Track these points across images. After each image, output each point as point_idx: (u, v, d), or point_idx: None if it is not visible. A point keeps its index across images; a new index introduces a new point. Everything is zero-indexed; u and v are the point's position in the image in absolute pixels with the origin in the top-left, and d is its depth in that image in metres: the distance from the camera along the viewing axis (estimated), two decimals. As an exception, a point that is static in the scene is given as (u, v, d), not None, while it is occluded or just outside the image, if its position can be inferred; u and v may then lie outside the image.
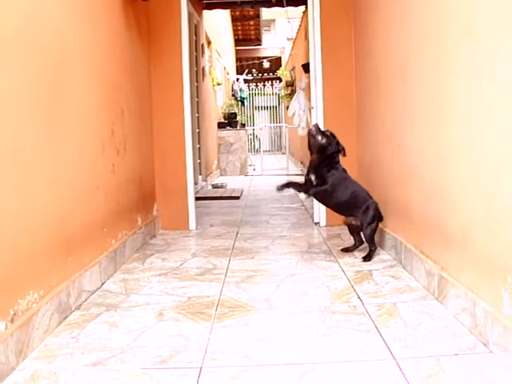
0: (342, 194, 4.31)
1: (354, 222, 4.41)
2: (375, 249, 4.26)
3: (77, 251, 3.32)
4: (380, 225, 4.55)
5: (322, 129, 4.46)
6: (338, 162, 4.34)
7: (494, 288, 2.41)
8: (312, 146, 4.34)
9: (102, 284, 3.70)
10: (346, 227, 5.19)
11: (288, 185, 4.41)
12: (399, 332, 2.69)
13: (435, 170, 3.21)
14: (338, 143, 4.32)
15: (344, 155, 4.34)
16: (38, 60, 2.87)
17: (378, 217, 4.31)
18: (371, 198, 4.37)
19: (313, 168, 4.35)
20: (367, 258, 4.18)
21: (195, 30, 9.49)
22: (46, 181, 2.91)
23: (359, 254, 4.33)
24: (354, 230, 4.49)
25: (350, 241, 4.88)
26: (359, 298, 3.25)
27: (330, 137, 4.32)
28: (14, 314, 2.47)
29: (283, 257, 4.38)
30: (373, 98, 4.83)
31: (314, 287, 3.52)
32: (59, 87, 3.13)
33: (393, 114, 4.13)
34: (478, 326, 2.55)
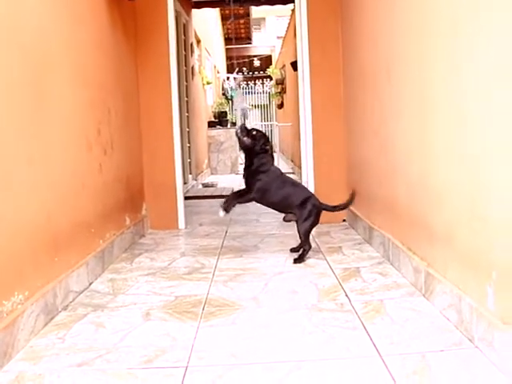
0: (274, 195, 4.22)
1: (294, 219, 4.29)
2: (309, 249, 4.16)
3: (64, 251, 3.31)
4: (368, 221, 4.56)
5: (249, 128, 4.36)
6: (265, 164, 4.23)
7: (479, 284, 2.41)
8: (240, 146, 4.31)
9: (90, 284, 3.69)
10: (335, 224, 5.21)
11: (231, 202, 4.28)
12: (386, 329, 2.69)
13: (420, 165, 3.22)
14: (264, 143, 4.23)
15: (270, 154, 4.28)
16: (19, 59, 2.84)
17: (316, 213, 4.21)
18: (310, 193, 4.34)
19: (244, 172, 4.32)
20: (298, 260, 4.08)
21: (184, 29, 9.48)
22: (29, 181, 2.88)
23: (347, 252, 4.33)
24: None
25: (339, 238, 4.90)
26: (346, 295, 3.25)
27: (256, 136, 4.24)
28: (-1, 316, 2.46)
29: (272, 255, 4.37)
30: (360, 94, 4.83)
31: (301, 285, 3.52)
32: (42, 87, 3.11)
33: (379, 110, 4.13)
34: (464, 321, 2.56)
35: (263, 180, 4.19)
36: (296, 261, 4.06)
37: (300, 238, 4.20)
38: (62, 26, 3.50)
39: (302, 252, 4.13)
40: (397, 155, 3.71)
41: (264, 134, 4.30)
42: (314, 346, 2.54)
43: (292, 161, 13.06)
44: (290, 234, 5.23)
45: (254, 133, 4.26)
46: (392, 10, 3.66)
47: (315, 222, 4.24)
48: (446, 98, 2.75)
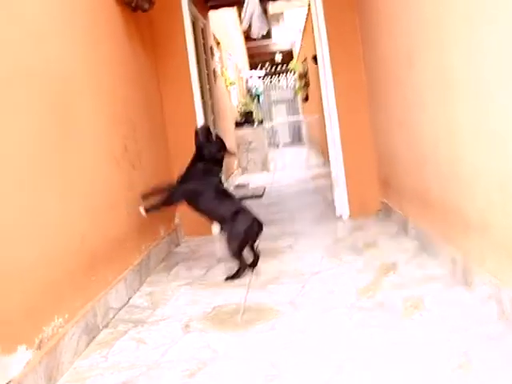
0: (204, 203, 4.13)
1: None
2: (243, 268, 3.92)
3: (100, 270, 3.35)
4: (402, 213, 4.51)
5: (211, 131, 4.29)
6: (206, 171, 4.15)
7: (517, 273, 2.38)
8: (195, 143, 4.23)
9: (129, 299, 3.72)
10: (369, 218, 5.15)
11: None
12: (425, 325, 2.66)
13: (449, 153, 3.17)
14: (218, 151, 4.16)
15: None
16: (44, 87, 2.89)
17: (246, 231, 3.95)
18: (242, 207, 4.11)
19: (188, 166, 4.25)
20: (231, 277, 3.89)
21: (202, 32, 9.48)
22: (61, 207, 2.93)
23: (383, 245, 4.29)
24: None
25: (373, 232, 4.86)
26: (384, 291, 3.22)
27: (212, 140, 4.19)
28: (40, 342, 2.50)
29: (308, 254, 4.36)
30: (383, 85, 4.79)
31: (339, 284, 3.50)
32: (66, 114, 3.14)
33: (403, 100, 4.09)
34: (505, 312, 2.52)
35: (194, 185, 4.12)
36: (227, 278, 3.90)
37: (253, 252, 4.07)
38: (81, 48, 3.52)
39: (237, 270, 3.92)
40: (424, 145, 3.67)
41: (220, 143, 4.22)
42: (353, 348, 2.52)
43: (322, 153, 13.01)
44: (324, 230, 5.22)
45: (213, 137, 4.21)
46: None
47: (243, 242, 3.97)
48: (469, 82, 2.71)
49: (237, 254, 3.93)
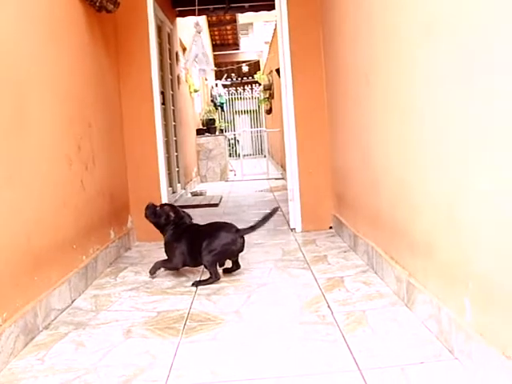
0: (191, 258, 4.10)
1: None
2: (213, 279, 3.93)
3: (44, 270, 3.29)
4: (353, 229, 4.56)
5: (154, 206, 4.35)
6: (173, 233, 4.19)
7: (457, 295, 2.40)
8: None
9: (73, 301, 3.66)
10: (321, 232, 5.19)
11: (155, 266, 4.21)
12: (366, 341, 2.68)
13: (399, 174, 3.22)
14: (166, 217, 4.23)
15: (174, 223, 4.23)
16: (-6, 80, 2.84)
17: (227, 247, 4.00)
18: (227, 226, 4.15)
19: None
20: (198, 282, 3.95)
21: (168, 38, 9.46)
22: (8, 202, 2.87)
23: (332, 261, 4.32)
24: None
25: (324, 246, 4.89)
26: (329, 306, 3.23)
27: (157, 213, 4.27)
28: (-26, 340, 2.44)
29: (256, 265, 4.36)
30: (341, 102, 4.83)
31: (284, 297, 3.51)
32: (20, 106, 3.09)
33: (360, 118, 4.13)
34: (444, 332, 2.55)
35: (177, 247, 4.11)
36: (193, 284, 3.93)
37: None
38: (40, 43, 3.48)
39: (208, 278, 3.97)
40: (377, 164, 3.71)
41: (166, 207, 4.30)
42: (293, 361, 2.52)
43: (281, 166, 13.06)
44: (276, 242, 5.23)
45: (158, 209, 4.28)
46: (371, 20, 3.65)
47: (221, 255, 4.04)
48: (423, 105, 2.75)
49: (213, 265, 3.96)
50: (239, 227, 4.12)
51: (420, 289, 2.90)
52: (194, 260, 4.09)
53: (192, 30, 9.34)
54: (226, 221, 4.35)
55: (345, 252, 4.61)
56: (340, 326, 2.89)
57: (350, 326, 2.88)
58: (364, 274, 3.89)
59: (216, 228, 4.14)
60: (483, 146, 2.09)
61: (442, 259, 2.60)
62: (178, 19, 10.85)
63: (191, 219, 4.33)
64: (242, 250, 4.12)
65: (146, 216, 4.32)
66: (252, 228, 4.12)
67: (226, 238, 4.02)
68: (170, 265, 4.18)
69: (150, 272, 4.18)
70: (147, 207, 4.33)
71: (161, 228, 4.28)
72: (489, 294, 2.12)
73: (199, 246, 3.99)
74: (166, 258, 4.20)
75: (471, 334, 2.25)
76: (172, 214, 4.23)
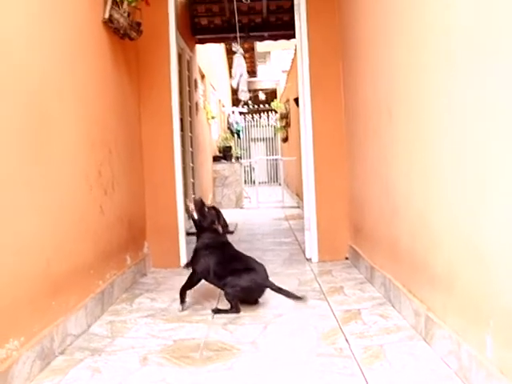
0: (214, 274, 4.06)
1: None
2: (234, 311, 3.88)
3: (62, 295, 3.30)
4: (370, 261, 4.54)
5: (204, 203, 4.25)
6: (208, 244, 4.11)
7: (478, 331, 2.38)
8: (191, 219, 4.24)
9: (89, 327, 3.66)
10: (337, 263, 5.16)
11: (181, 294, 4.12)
12: (384, 375, 2.66)
13: (421, 207, 3.20)
14: (212, 222, 4.13)
15: (224, 233, 4.17)
16: (22, 106, 2.88)
17: (251, 290, 3.99)
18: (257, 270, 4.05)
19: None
20: (218, 311, 3.92)
21: (188, 65, 9.55)
22: (29, 228, 2.89)
23: (349, 292, 4.29)
24: None
25: (341, 277, 4.86)
26: (346, 339, 3.21)
27: (206, 214, 4.16)
28: (-8, 364, 2.44)
29: (273, 296, 4.32)
30: (361, 134, 4.84)
31: (301, 328, 3.49)
32: (42, 129, 3.13)
33: (380, 150, 4.13)
34: (463, 369, 2.52)
35: (206, 258, 4.07)
36: (213, 310, 3.92)
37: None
38: (66, 68, 3.53)
39: (229, 308, 3.92)
40: (398, 196, 3.70)
41: (214, 212, 4.19)
42: (311, 394, 2.50)
43: (297, 195, 13.05)
44: (292, 272, 5.21)
45: (206, 209, 4.18)
46: (391, 50, 3.67)
47: (242, 291, 3.95)
48: (445, 139, 2.75)
49: (235, 299, 3.93)
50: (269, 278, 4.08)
51: (439, 324, 2.87)
52: (215, 279, 4.06)
53: (211, 58, 9.43)
54: (258, 260, 4.23)
55: (361, 283, 4.58)
56: (357, 360, 2.87)
57: (367, 360, 2.86)
58: (381, 306, 3.86)
59: (250, 264, 4.09)
60: (502, 178, 2.09)
61: (462, 294, 2.58)
62: (198, 47, 10.96)
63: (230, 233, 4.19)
64: (260, 297, 4.10)
65: (189, 210, 4.20)
66: (279, 289, 3.99)
67: (255, 281, 4.00)
68: (190, 279, 4.12)
69: (180, 303, 4.07)
70: (195, 202, 4.22)
71: (199, 230, 4.19)
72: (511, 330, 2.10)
73: (226, 270, 3.98)
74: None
75: (492, 371, 2.22)
76: (217, 223, 4.16)
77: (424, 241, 3.17)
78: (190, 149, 9.37)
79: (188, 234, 5.99)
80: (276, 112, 20.29)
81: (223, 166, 13.49)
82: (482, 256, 2.34)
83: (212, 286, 4.18)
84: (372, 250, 4.59)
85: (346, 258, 5.65)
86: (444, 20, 2.66)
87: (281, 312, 3.86)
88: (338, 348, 3.07)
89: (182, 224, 5.79)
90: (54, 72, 3.36)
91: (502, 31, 2.08)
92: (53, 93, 3.33)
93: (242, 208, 13.12)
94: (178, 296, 4.16)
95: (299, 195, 11.80)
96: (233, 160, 14.06)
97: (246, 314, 3.83)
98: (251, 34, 10.56)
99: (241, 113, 19.58)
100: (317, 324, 3.54)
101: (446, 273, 2.81)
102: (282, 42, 12.98)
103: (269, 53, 26.90)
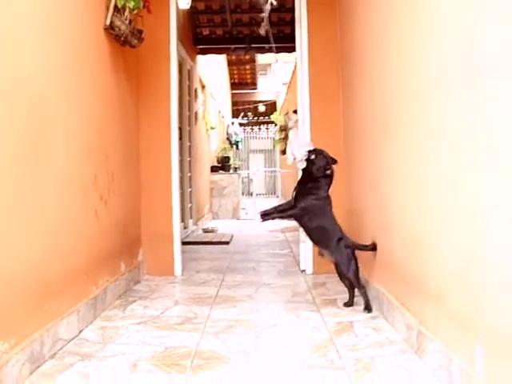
0: (313, 221, 4.22)
1: (330, 259, 4.29)
2: (365, 291, 4.09)
3: (54, 299, 3.29)
4: (364, 273, 4.52)
5: (315, 150, 4.37)
6: (319, 188, 4.25)
7: (469, 345, 2.38)
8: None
9: (80, 332, 3.64)
10: (332, 275, 5.15)
11: (271, 214, 4.27)
12: (375, 388, 2.65)
13: (414, 221, 3.20)
14: (325, 167, 4.26)
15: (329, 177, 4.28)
16: (20, 109, 2.88)
17: (353, 253, 4.17)
18: (343, 235, 4.26)
19: (297, 185, 4.33)
20: (367, 308, 4.02)
21: (188, 74, 9.59)
22: (22, 230, 2.89)
23: (342, 306, 4.28)
24: (342, 276, 4.36)
25: (335, 290, 4.85)
26: (337, 351, 3.20)
27: (317, 159, 4.28)
28: (-19, 366, 2.43)
29: (266, 306, 4.33)
30: (358, 147, 4.85)
31: (293, 339, 3.48)
32: (40, 132, 3.13)
33: (376, 163, 4.14)
34: (454, 383, 2.51)
35: (311, 201, 4.20)
36: (365, 309, 4.03)
37: (350, 283, 4.21)
38: (64, 74, 3.54)
39: (364, 301, 4.07)
40: (392, 210, 3.70)
41: (326, 157, 4.30)
42: (300, 405, 2.49)
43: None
44: (286, 284, 5.20)
45: (314, 156, 4.28)
46: (388, 65, 3.69)
47: (356, 266, 4.16)
48: (439, 157, 2.75)
49: (358, 277, 4.14)
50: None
51: (431, 337, 2.86)
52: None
53: (212, 69, 9.44)
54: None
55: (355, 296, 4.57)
56: (348, 372, 2.86)
57: (358, 373, 2.85)
58: (374, 319, 3.86)
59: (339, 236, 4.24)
60: (496, 199, 2.09)
61: (454, 308, 2.57)
62: (199, 57, 10.99)
63: None
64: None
65: (310, 153, 4.29)
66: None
67: None
68: (291, 212, 4.22)
69: (261, 216, 4.23)
70: (314, 150, 4.31)
71: (312, 176, 4.28)
72: (501, 345, 2.09)
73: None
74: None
75: (482, 386, 2.22)
76: (329, 168, 4.28)
77: (416, 255, 3.17)
78: (188, 158, 9.39)
79: (183, 243, 5.99)
80: (275, 124, 20.32)
81: (221, 177, 13.51)
82: (474, 272, 2.34)
83: (207, 294, 4.17)
84: (366, 263, 4.58)
85: (341, 271, 5.64)
86: (439, 42, 2.68)
87: (274, 322, 3.85)
88: (329, 360, 3.06)
89: (178, 232, 5.78)
90: (54, 78, 3.37)
91: (499, 51, 2.09)
92: (52, 99, 3.34)
93: (238, 219, 13.12)
94: (170, 304, 4.16)
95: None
96: (231, 171, 14.08)
97: (239, 324, 3.82)
98: (252, 45, 10.59)
99: (240, 124, 19.63)
100: (309, 336, 3.53)
101: (437, 287, 2.80)
102: (283, 55, 13.05)
103: (269, 65, 26.99)
